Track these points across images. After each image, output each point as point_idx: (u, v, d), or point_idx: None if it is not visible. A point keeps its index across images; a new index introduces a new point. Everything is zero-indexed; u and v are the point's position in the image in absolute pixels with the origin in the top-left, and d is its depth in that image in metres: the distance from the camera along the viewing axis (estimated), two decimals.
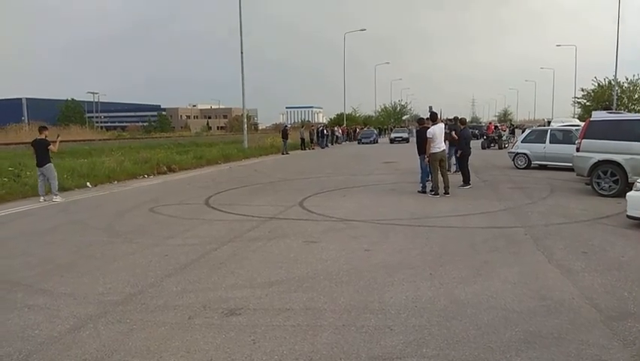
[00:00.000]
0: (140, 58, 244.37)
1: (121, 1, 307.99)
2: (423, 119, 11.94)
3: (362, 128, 54.32)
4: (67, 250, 6.39)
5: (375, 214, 8.41)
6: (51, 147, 10.97)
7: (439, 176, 10.54)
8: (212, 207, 9.53)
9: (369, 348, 3.33)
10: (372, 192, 11.57)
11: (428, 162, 10.64)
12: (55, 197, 10.85)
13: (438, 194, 10.37)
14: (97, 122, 79.71)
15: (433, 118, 11.22)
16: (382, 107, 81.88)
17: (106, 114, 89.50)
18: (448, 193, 10.39)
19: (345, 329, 3.66)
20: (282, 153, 28.49)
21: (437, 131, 10.52)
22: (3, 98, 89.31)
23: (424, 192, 10.80)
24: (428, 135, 10.44)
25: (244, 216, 8.51)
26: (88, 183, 13.50)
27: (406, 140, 40.48)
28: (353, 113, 70.72)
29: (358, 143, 42.78)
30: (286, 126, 35.26)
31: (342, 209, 9.01)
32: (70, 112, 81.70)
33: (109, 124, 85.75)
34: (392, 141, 42.40)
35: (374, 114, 78.07)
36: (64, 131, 46.42)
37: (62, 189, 12.37)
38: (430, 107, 12.73)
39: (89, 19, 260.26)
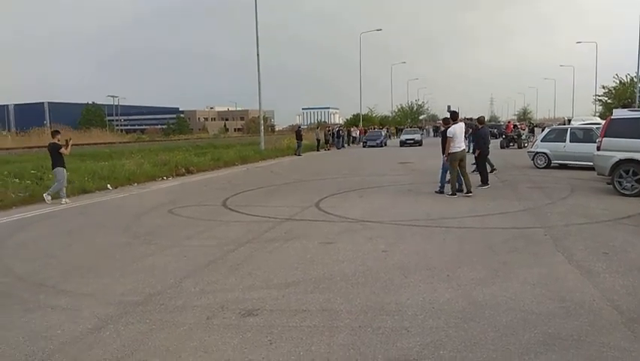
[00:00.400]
0: (159, 62, 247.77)
1: (141, 8, 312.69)
2: (448, 118, 11.69)
3: (374, 129, 52.89)
4: (88, 252, 6.52)
5: (392, 215, 8.38)
6: (62, 150, 11.22)
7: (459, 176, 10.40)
8: (230, 209, 9.62)
9: (386, 350, 3.33)
10: (389, 192, 11.53)
11: (446, 161, 10.53)
12: (47, 197, 10.99)
13: (455, 194, 10.28)
14: (117, 125, 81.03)
15: (454, 117, 10.94)
16: (399, 107, 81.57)
17: (126, 117, 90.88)
18: (470, 192, 10.24)
19: (361, 330, 3.66)
20: (296, 155, 28.51)
21: (458, 130, 10.37)
22: (26, 102, 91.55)
23: (441, 192, 10.71)
24: (448, 135, 10.32)
25: (261, 217, 8.57)
26: (108, 185, 13.74)
27: (419, 142, 35.73)
28: (369, 114, 70.59)
29: (363, 146, 37.19)
30: (300, 127, 35.33)
31: (358, 210, 9.01)
32: (91, 115, 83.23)
33: (129, 127, 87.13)
34: (402, 143, 36.47)
35: (390, 114, 77.81)
36: (85, 135, 47.45)
37: (83, 191, 12.67)
38: (449, 107, 12.60)
39: (110, 25, 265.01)
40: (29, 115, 79.65)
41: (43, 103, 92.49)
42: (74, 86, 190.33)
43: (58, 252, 6.58)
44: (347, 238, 6.83)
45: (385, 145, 38.06)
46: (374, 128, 47.00)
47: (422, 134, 40.74)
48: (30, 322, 4.04)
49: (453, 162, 10.37)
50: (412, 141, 35.75)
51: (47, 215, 9.71)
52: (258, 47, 28.61)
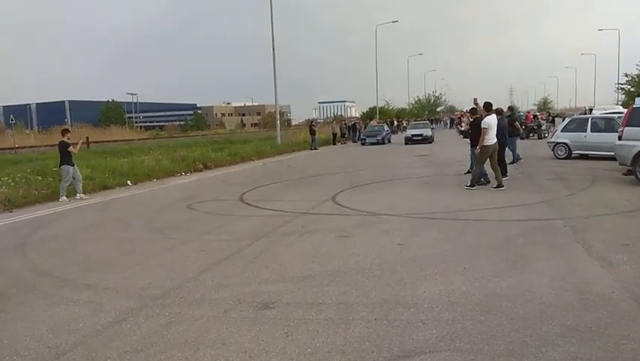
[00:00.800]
0: (175, 59, 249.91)
1: (156, 6, 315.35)
2: (475, 109, 11.33)
3: (399, 121, 50.85)
4: (109, 247, 6.66)
5: (408, 208, 8.35)
6: (70, 148, 11.44)
7: (489, 169, 10.10)
8: (247, 203, 9.70)
9: (401, 342, 3.34)
10: (405, 185, 11.48)
11: (477, 153, 10.13)
12: (60, 198, 11.18)
13: (474, 186, 10.14)
14: (136, 122, 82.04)
15: (488, 107, 10.39)
16: (416, 99, 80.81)
17: (145, 114, 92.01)
18: (502, 186, 9.87)
19: (377, 322, 3.67)
20: (311, 149, 28.53)
21: (492, 121, 9.96)
22: (48, 101, 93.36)
23: (485, 182, 10.44)
24: (483, 125, 9.87)
25: (277, 211, 8.62)
26: (128, 182, 13.98)
27: (428, 139, 29.09)
28: (386, 107, 70.15)
29: (362, 143, 31.39)
30: (313, 122, 35.33)
31: (374, 203, 9.00)
32: (110, 113, 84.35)
33: (147, 124, 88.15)
34: (407, 140, 29.57)
35: (407, 107, 77.17)
36: (105, 132, 48.13)
37: (104, 187, 12.91)
38: (475, 100, 12.36)
39: (125, 23, 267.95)
40: (51, 113, 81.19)
41: (64, 101, 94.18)
42: (93, 84, 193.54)
43: (80, 247, 6.74)
44: (363, 231, 6.83)
45: (389, 142, 32.23)
46: (374, 123, 38.75)
47: (433, 128, 34.39)
48: (53, 315, 4.16)
49: (484, 155, 9.96)
50: (419, 138, 29.28)
51: (69, 211, 9.93)
52: (273, 43, 28.66)
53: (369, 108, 68.50)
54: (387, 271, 4.90)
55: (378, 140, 30.76)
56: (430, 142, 28.70)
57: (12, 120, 38.96)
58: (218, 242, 6.57)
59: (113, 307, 4.27)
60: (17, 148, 27.84)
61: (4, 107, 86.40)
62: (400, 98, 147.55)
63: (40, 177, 12.82)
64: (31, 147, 27.66)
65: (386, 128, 35.05)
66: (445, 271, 4.83)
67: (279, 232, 6.96)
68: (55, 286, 4.97)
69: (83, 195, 11.43)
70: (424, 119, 48.96)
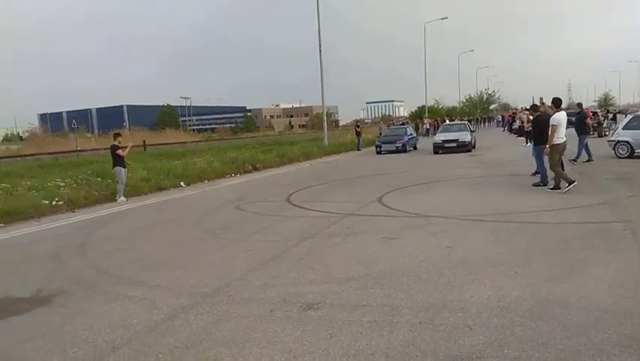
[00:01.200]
0: (225, 63, 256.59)
1: (206, 15, 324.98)
2: (536, 105, 10.79)
3: (452, 120, 48.06)
4: (163, 246, 6.94)
5: (458, 210, 8.16)
6: (119, 151, 11.95)
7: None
8: (294, 204, 9.81)
9: (447, 347, 3.28)
10: (455, 186, 11.23)
11: (547, 153, 9.55)
12: (118, 198, 11.70)
13: (560, 188, 9.36)
14: (189, 125, 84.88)
15: (557, 103, 9.78)
16: (467, 97, 78.68)
17: (197, 117, 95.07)
18: (574, 181, 9.23)
19: (422, 326, 3.62)
20: (358, 150, 28.42)
21: (562, 118, 9.46)
22: (107, 105, 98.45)
23: (542, 184, 9.98)
24: (552, 122, 9.34)
25: (323, 212, 8.67)
26: (182, 183, 14.50)
27: (466, 146, 21.31)
28: (435, 105, 68.83)
29: (377, 152, 24.44)
30: (358, 122, 35.15)
31: (422, 205, 8.86)
32: (165, 117, 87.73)
33: (200, 127, 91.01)
34: (436, 149, 21.92)
35: (458, 105, 75.32)
36: (161, 135, 50.11)
37: (159, 188, 13.44)
38: (541, 98, 12.10)
39: (180, 31, 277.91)
40: (110, 117, 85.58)
41: (122, 106, 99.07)
42: (149, 89, 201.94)
43: (136, 246, 7.06)
44: (410, 233, 6.74)
45: (414, 149, 25.52)
46: (390, 124, 32.88)
47: (474, 131, 25.66)
48: (110, 311, 4.38)
49: (555, 154, 9.42)
50: (453, 145, 21.34)
51: (125, 212, 10.41)
52: (320, 45, 28.81)
53: (418, 107, 67.48)
54: (434, 275, 4.82)
55: (397, 147, 23.95)
56: (469, 150, 21.21)
57: (74, 125, 41.35)
58: (265, 242, 6.69)
59: (165, 304, 4.45)
60: (79, 151, 29.45)
61: (67, 112, 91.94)
62: (450, 97, 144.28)
63: (99, 179, 13.53)
64: (91, 150, 29.18)
65: (409, 131, 27.64)
66: (495, 275, 4.69)
67: (324, 233, 6.99)
68: (113, 284, 5.23)
69: (124, 198, 11.81)
70: (475, 118, 46.54)
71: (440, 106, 71.24)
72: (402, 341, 3.40)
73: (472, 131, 23.55)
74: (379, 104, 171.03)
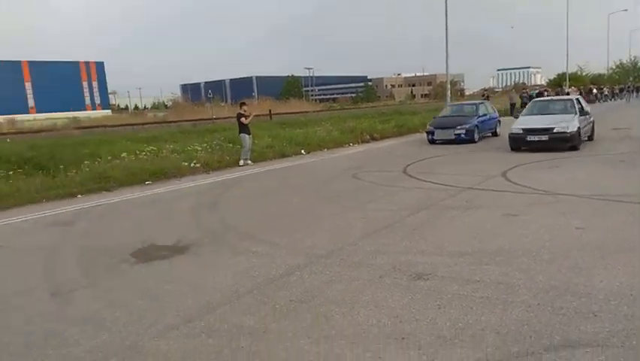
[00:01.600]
0: (347, 31, 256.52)
1: None
2: None
3: (600, 89, 41.75)
4: (284, 209, 7.39)
5: (594, 188, 7.40)
6: (242, 119, 12.90)
7: None
8: (410, 176, 9.70)
9: (565, 331, 3.08)
10: (593, 162, 10.16)
11: None
12: (241, 162, 12.71)
13: None
14: (312, 95, 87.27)
15: None
16: (618, 63, 69.20)
17: (320, 87, 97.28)
18: None
19: (539, 308, 3.44)
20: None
21: None
22: (238, 77, 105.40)
23: None
24: None
25: (441, 185, 8.45)
26: (302, 151, 15.12)
27: (567, 140, 11.99)
28: (579, 72, 61.77)
29: (430, 142, 16.04)
30: (486, 91, 32.99)
31: (552, 182, 8.19)
32: (290, 87, 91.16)
33: (322, 97, 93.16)
34: (515, 143, 12.73)
35: (606, 72, 66.68)
36: (285, 104, 52.37)
37: (282, 155, 14.21)
38: None
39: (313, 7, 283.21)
40: (240, 88, 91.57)
41: (252, 77, 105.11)
42: (275, 60, 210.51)
43: (260, 207, 7.62)
44: (535, 210, 6.31)
45: (496, 133, 17.40)
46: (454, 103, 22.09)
47: (588, 114, 13.86)
48: (237, 263, 4.84)
49: None
50: (543, 138, 12.16)
51: (252, 176, 11.21)
52: (446, 9, 27.32)
53: (558, 75, 61.16)
54: (559, 256, 4.49)
55: (458, 136, 15.45)
56: (575, 147, 12.08)
57: (210, 94, 45.00)
58: (380, 211, 6.76)
59: (283, 261, 4.78)
60: (214, 119, 31.99)
61: (205, 82, 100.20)
62: (597, 64, 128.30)
63: (230, 145, 14.67)
64: (225, 118, 31.43)
65: (482, 110, 17.08)
66: (631, 260, 4.23)
67: (441, 205, 6.85)
68: (239, 239, 5.75)
69: (244, 161, 12.81)
70: (627, 87, 40.45)
71: (584, 73, 63.81)
72: (515, 320, 3.27)
73: (585, 114, 13.64)
74: (512, 72, 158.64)
